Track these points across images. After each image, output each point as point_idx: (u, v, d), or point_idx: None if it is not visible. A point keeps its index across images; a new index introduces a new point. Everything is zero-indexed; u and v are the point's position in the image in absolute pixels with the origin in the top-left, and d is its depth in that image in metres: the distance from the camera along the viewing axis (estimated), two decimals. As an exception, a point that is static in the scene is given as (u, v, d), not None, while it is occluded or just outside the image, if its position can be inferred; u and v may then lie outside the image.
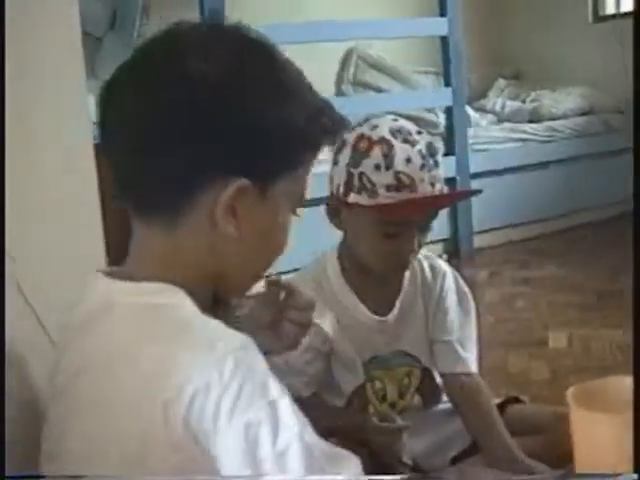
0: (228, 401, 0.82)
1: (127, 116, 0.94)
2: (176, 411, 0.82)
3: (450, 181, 3.74)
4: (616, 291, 3.30)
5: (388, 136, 1.49)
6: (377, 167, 1.47)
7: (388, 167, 1.46)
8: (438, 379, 1.67)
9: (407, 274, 1.63)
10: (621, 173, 3.66)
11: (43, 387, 1.04)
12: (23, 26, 1.25)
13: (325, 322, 1.58)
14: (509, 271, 3.95)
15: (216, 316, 0.92)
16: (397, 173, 1.46)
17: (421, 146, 1.49)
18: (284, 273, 1.20)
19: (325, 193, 1.58)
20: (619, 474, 0.76)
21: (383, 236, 1.50)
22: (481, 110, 4.88)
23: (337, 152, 1.54)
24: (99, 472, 0.87)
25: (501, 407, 1.69)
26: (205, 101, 0.91)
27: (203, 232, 0.95)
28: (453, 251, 4.18)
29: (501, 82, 5.44)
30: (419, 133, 1.52)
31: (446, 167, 1.61)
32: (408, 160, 1.46)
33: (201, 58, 0.92)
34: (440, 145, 1.54)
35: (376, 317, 1.62)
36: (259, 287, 1.14)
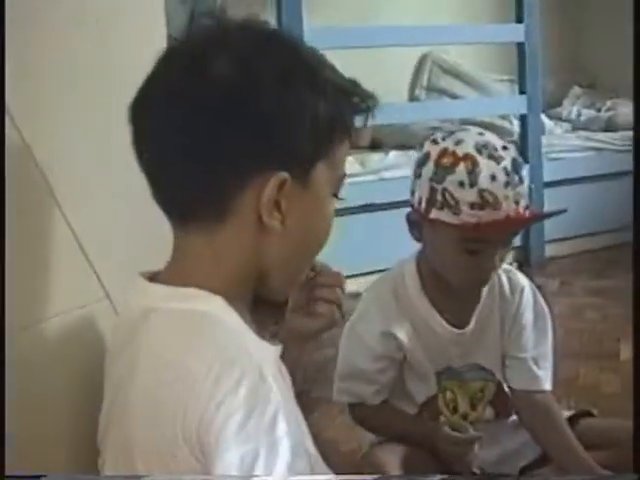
0: (234, 426, 0.83)
1: (161, 127, 0.94)
2: (192, 417, 0.84)
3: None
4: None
5: (473, 152, 1.46)
6: (461, 184, 1.44)
7: (472, 184, 1.43)
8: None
9: (485, 287, 1.61)
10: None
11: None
12: (115, 29, 1.25)
13: (401, 330, 1.59)
14: (580, 281, 3.90)
15: (255, 320, 0.94)
16: (481, 191, 1.43)
17: (506, 162, 1.46)
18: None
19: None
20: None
21: (464, 252, 1.48)
22: (556, 118, 4.82)
23: (419, 165, 1.52)
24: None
25: (571, 420, 1.68)
26: (233, 101, 0.91)
27: (246, 233, 0.95)
28: (524, 259, 4.15)
29: (577, 90, 5.34)
30: (504, 149, 1.48)
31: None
32: (493, 177, 1.43)
33: (222, 59, 0.92)
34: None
35: (453, 329, 1.62)
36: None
